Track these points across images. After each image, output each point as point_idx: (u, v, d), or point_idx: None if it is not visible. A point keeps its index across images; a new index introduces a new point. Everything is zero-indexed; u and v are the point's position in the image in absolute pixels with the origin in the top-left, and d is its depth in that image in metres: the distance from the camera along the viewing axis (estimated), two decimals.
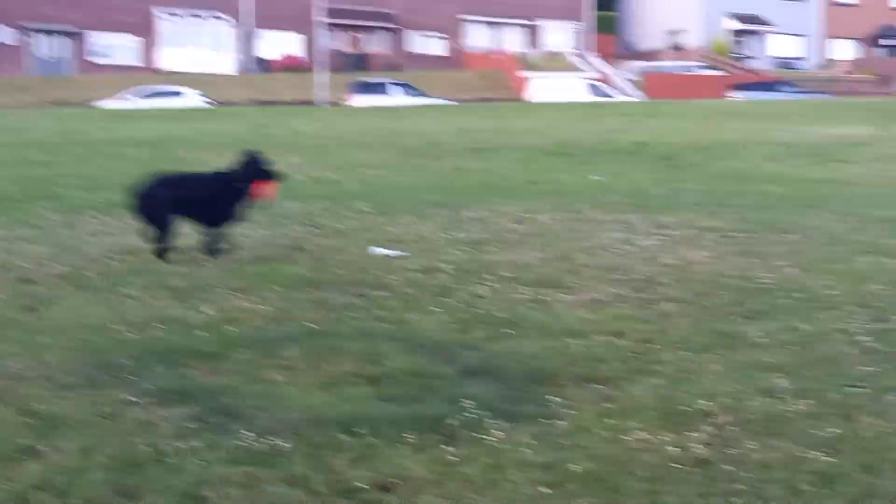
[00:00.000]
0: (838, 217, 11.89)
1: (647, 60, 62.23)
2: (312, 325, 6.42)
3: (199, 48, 59.56)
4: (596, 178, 16.59)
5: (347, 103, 45.91)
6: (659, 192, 14.49)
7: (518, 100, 49.72)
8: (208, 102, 44.15)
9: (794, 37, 67.99)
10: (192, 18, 59.88)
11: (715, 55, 62.32)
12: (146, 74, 56.00)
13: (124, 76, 54.00)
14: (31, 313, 6.56)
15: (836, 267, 8.70)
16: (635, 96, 50.99)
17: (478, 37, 65.54)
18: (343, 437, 4.57)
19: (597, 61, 60.30)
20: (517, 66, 57.31)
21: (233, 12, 60.31)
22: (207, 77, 54.95)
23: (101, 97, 46.74)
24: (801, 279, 8.18)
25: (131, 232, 9.67)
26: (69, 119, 31.20)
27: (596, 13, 68.23)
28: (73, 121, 30.24)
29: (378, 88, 48.31)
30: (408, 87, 49.01)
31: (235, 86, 54.20)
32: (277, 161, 17.19)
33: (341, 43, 62.55)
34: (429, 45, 64.73)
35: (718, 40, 64.35)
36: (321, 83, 49.25)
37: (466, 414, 4.90)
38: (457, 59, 63.50)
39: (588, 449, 4.56)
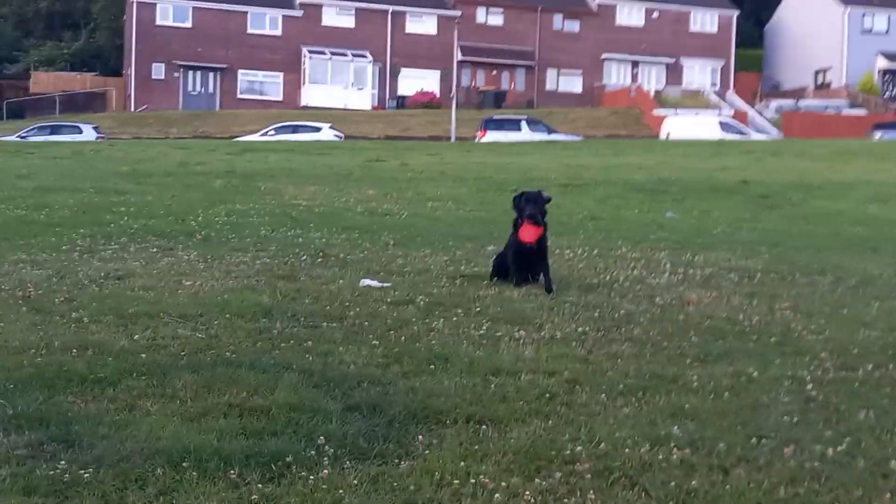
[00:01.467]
0: (893, 261, 11.19)
1: (792, 98, 60.52)
2: (229, 355, 6.32)
3: (340, 85, 60.90)
4: (669, 215, 16.12)
5: (479, 139, 46.11)
6: (722, 231, 13.94)
7: (651, 137, 48.99)
8: (337, 136, 45.00)
9: None
10: (334, 57, 61.33)
11: (863, 94, 60.07)
12: (289, 110, 57.62)
13: (268, 112, 55.72)
14: None
15: (842, 312, 8.17)
16: (772, 135, 49.56)
17: (617, 74, 64.98)
18: (162, 470, 4.43)
19: (736, 99, 58.92)
20: (654, 103, 56.47)
21: (375, 51, 61.49)
22: (345, 113, 56.18)
23: (245, 132, 48.27)
24: (790, 323, 7.71)
25: (139, 258, 9.85)
26: (198, 152, 32.19)
27: (740, 51, 66.82)
28: (201, 153, 31.16)
29: (507, 125, 48.32)
30: (538, 124, 48.88)
31: (370, 121, 55.17)
32: (354, 193, 17.46)
33: (479, 80, 63.04)
34: (566, 82, 64.54)
35: (867, 79, 61.99)
36: (454, 119, 49.59)
37: (311, 452, 4.71)
38: (594, 97, 63.07)
39: (410, 493, 4.31)
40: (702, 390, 5.91)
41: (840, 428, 5.25)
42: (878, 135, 45.01)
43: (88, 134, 43.65)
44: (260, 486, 4.34)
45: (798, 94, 62.56)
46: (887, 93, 63.40)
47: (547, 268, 8.79)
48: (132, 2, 59.59)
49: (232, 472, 4.45)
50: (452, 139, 47.31)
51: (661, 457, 4.77)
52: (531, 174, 23.87)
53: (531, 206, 8.85)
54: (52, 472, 4.37)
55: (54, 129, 44.53)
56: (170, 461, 4.53)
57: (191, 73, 61.20)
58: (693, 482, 4.46)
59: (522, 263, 8.78)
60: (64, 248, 10.48)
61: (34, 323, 7.03)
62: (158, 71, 60.24)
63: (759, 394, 5.85)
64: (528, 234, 8.70)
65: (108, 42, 70.29)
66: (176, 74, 60.29)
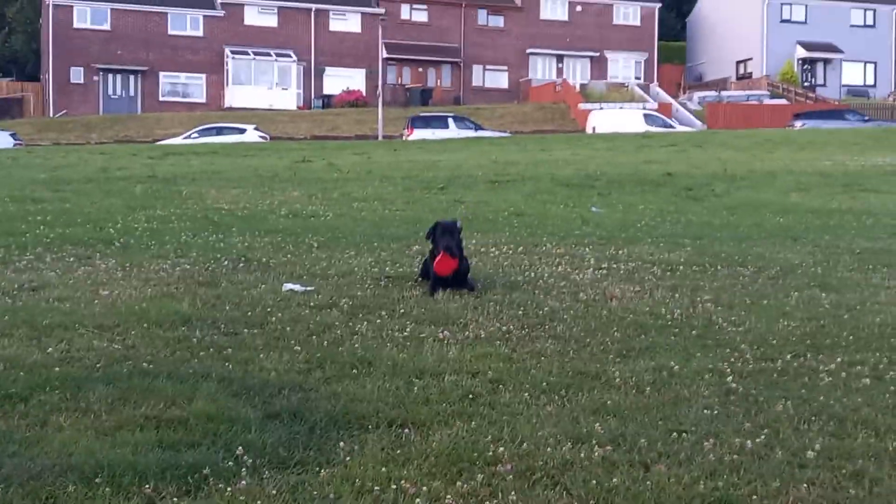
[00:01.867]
0: (813, 250, 11.39)
1: (715, 90, 61.33)
2: (146, 365, 6.19)
3: (264, 86, 60.35)
4: (594, 210, 16.20)
5: (406, 137, 46.01)
6: (647, 224, 14.04)
7: (577, 131, 49.31)
8: (262, 137, 44.59)
9: (865, 64, 66.30)
10: (258, 57, 60.74)
11: (784, 84, 61.10)
12: (213, 111, 56.95)
13: (192, 114, 55.03)
14: None
15: (763, 303, 8.26)
16: (696, 126, 50.21)
17: (543, 69, 65.31)
18: (74, 487, 4.31)
19: (660, 92, 59.59)
20: (579, 97, 56.87)
21: (299, 50, 61.05)
22: (270, 113, 55.70)
23: (169, 135, 47.59)
24: (712, 315, 7.77)
25: (55, 269, 9.62)
26: (120, 156, 31.64)
27: (662, 43, 67.58)
28: (123, 158, 30.64)
29: (435, 122, 48.27)
30: (465, 121, 48.90)
31: (297, 121, 54.76)
32: (279, 195, 17.27)
33: (405, 78, 62.93)
34: (492, 78, 64.72)
35: (787, 69, 63.07)
36: (381, 118, 49.40)
37: (229, 462, 4.63)
38: (520, 92, 63.34)
39: (330, 501, 4.26)
40: (624, 386, 5.93)
41: (759, 419, 5.29)
42: (798, 124, 45.82)
43: (4, 141, 42.66)
44: (175, 499, 4.25)
45: (720, 85, 63.45)
46: (807, 82, 64.56)
47: (468, 285, 8.69)
48: (48, 4, 58.42)
49: (147, 486, 4.35)
50: (380, 138, 47.16)
51: (582, 455, 4.77)
52: (459, 171, 23.86)
53: (447, 237, 8.67)
54: None
55: None
56: (82, 477, 4.42)
57: (111, 76, 60.16)
58: (614, 479, 4.46)
59: (440, 286, 8.64)
60: None
61: None
62: (77, 75, 59.12)
63: (681, 388, 5.88)
64: (444, 267, 8.55)
65: (24, 46, 68.88)
66: (95, 78, 59.21)
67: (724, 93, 59.51)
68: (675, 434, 5.05)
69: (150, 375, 5.96)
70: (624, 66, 66.01)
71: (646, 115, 48.26)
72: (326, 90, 61.47)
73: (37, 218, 13.56)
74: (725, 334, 7.16)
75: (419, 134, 45.08)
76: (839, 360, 6.48)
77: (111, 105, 59.42)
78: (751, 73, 65.29)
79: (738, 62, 67.06)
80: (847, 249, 11.44)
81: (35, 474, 4.45)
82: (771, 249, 11.30)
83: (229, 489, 4.34)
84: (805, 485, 4.38)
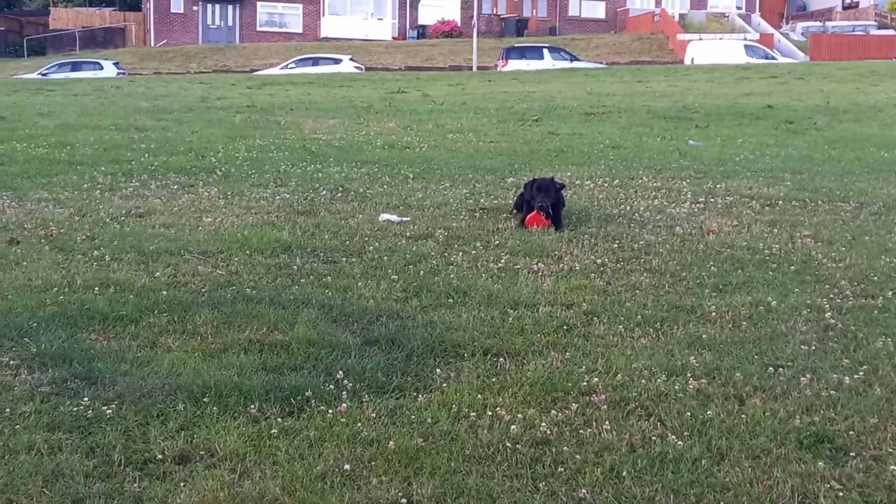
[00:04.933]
0: None
1: (819, 20, 59.45)
2: (249, 291, 6.37)
3: (360, 15, 60.30)
4: (692, 143, 15.97)
5: (500, 68, 45.68)
6: (746, 158, 13.81)
7: (676, 63, 48.37)
8: (357, 68, 44.70)
9: None
10: None
11: (892, 13, 58.91)
12: (309, 42, 57.18)
13: (288, 44, 55.36)
14: None
15: (864, 238, 8.12)
16: (798, 58, 48.83)
17: None
18: (183, 405, 4.50)
19: (762, 22, 57.97)
20: (678, 28, 55.64)
21: None
22: (365, 44, 55.71)
23: (266, 65, 48.01)
24: (810, 250, 7.67)
25: (160, 195, 9.89)
26: (218, 86, 32.07)
27: None
28: (221, 88, 31.06)
29: (530, 53, 47.74)
30: (561, 51, 48.24)
31: (392, 52, 54.70)
32: (374, 126, 17.38)
33: (500, 8, 62.25)
34: (589, 8, 63.66)
35: None
36: (475, 48, 49.06)
37: (330, 386, 4.77)
38: (617, 22, 62.25)
39: (427, 425, 4.36)
40: (720, 320, 5.92)
41: (857, 356, 5.25)
42: None
43: (109, 70, 43.56)
44: (279, 420, 4.40)
45: (825, 15, 61.46)
46: None
47: (558, 226, 8.57)
48: None
49: (252, 406, 4.51)
50: (474, 68, 46.89)
51: (677, 387, 4.80)
52: (553, 103, 23.68)
53: (542, 195, 8.52)
54: (75, 409, 4.46)
55: (75, 66, 44.45)
56: (190, 396, 4.60)
57: (209, 6, 60.69)
58: (709, 412, 4.49)
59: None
60: (85, 186, 10.53)
61: (56, 262, 7.09)
62: (177, 4, 59.75)
63: (778, 323, 5.85)
64: (534, 222, 8.49)
65: None
66: (195, 8, 59.80)
67: (828, 23, 57.63)
68: (770, 369, 5.05)
69: (253, 301, 6.14)
70: None
71: (746, 47, 47.00)
72: (421, 20, 61.14)
73: (141, 146, 13.91)
74: (825, 270, 7.06)
75: (514, 65, 44.68)
76: None
77: (210, 35, 60.02)
78: (857, 3, 63.06)
79: None
80: None
81: (146, 392, 4.66)
82: (873, 184, 11.05)
83: (330, 411, 4.48)
84: None
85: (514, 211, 8.93)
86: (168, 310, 5.92)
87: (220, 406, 4.51)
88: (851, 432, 4.25)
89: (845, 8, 63.44)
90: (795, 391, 4.74)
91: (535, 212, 8.50)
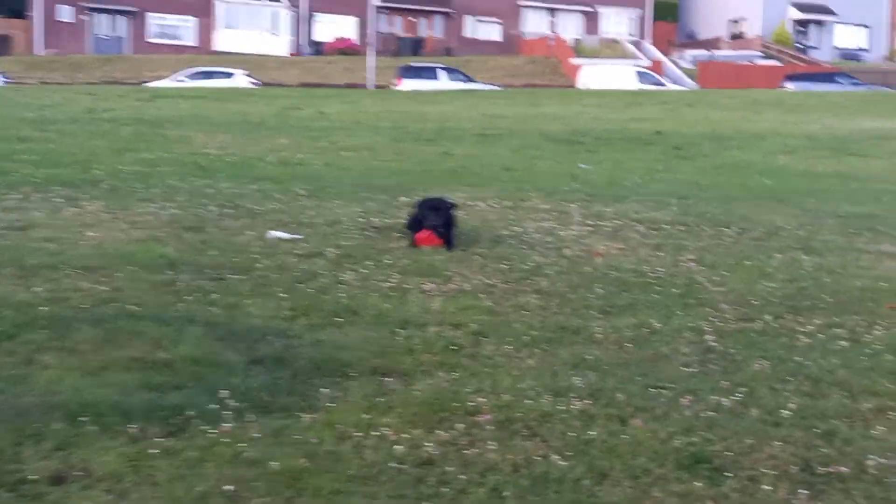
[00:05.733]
0: (798, 213, 11.47)
1: (707, 49, 61.11)
2: (132, 307, 6.24)
3: (255, 30, 59.87)
4: (582, 166, 16.23)
5: (396, 87, 45.78)
6: (634, 182, 14.10)
7: (569, 87, 49.14)
8: (253, 83, 44.33)
9: (859, 27, 66.13)
10: (249, 1, 60.19)
11: (776, 45, 60.93)
12: (202, 55, 56.48)
13: (180, 57, 54.58)
14: None
15: (744, 263, 8.35)
16: (687, 85, 50.10)
17: (535, 23, 64.90)
18: (59, 425, 4.37)
19: (652, 49, 59.35)
20: (571, 52, 56.61)
21: None
22: (260, 59, 55.29)
23: (157, 77, 47.24)
24: (693, 274, 7.85)
25: (42, 209, 9.63)
26: (106, 98, 31.43)
27: (656, 0, 67.16)
28: (109, 100, 30.45)
29: (426, 73, 48.00)
30: (456, 72, 48.64)
31: (287, 68, 54.39)
32: (267, 142, 17.23)
33: (397, 27, 62.47)
34: (484, 30, 64.31)
35: (781, 30, 62.87)
36: (371, 67, 49.10)
37: (213, 406, 4.69)
38: (512, 45, 63.00)
39: (311, 446, 4.32)
40: (605, 341, 6.01)
41: (736, 378, 5.38)
42: (790, 86, 45.75)
43: None
44: (160, 439, 4.30)
45: (713, 44, 63.18)
46: (800, 44, 64.37)
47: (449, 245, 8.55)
48: None
49: (132, 426, 4.41)
50: (370, 87, 46.90)
51: (561, 407, 4.84)
52: (448, 123, 23.84)
53: (433, 214, 8.53)
54: None
55: None
56: (68, 415, 4.47)
57: (100, 15, 59.53)
58: (591, 432, 4.54)
59: None
60: None
61: None
62: (65, 13, 58.48)
63: (661, 345, 5.96)
64: (425, 241, 8.50)
65: None
66: (84, 17, 58.61)
67: (716, 52, 59.29)
68: (653, 390, 5.13)
69: (137, 318, 6.01)
70: (616, 22, 65.66)
71: (638, 73, 48.12)
72: (318, 37, 60.99)
73: (23, 157, 13.53)
74: (707, 293, 7.24)
75: (409, 84, 44.84)
76: (818, 322, 6.57)
77: (100, 45, 58.85)
78: (743, 34, 65.03)
79: (731, 21, 66.78)
80: (831, 213, 11.53)
81: (21, 411, 4.51)
82: (756, 211, 11.38)
83: (213, 431, 4.40)
84: (778, 442, 4.46)
85: (407, 230, 8.94)
86: (47, 326, 5.75)
87: (99, 425, 4.39)
88: (729, 453, 4.35)
89: (732, 38, 65.35)
90: (676, 412, 4.83)
91: (426, 231, 8.52)
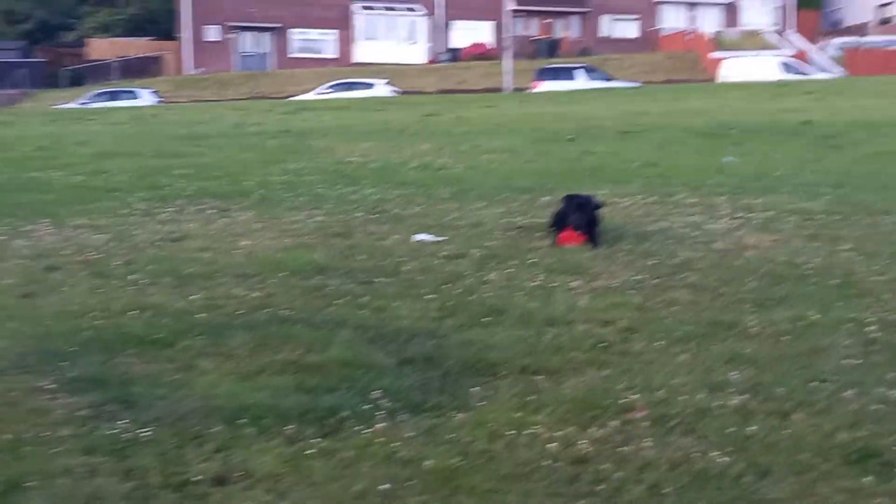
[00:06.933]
0: None
1: (854, 35, 59.00)
2: (284, 313, 6.36)
3: (393, 40, 60.65)
4: (728, 160, 15.84)
5: (533, 89, 45.70)
6: (784, 173, 13.67)
7: (709, 81, 48.17)
8: (395, 92, 44.87)
9: None
10: (386, 12, 61.03)
11: None
12: (343, 67, 57.52)
13: (322, 70, 55.70)
14: (24, 299, 6.77)
15: None
16: (834, 73, 48.47)
17: (673, 18, 63.82)
18: (218, 427, 4.48)
19: (796, 38, 57.65)
20: (711, 46, 55.46)
21: (426, 4, 61.06)
22: (399, 68, 55.94)
23: (300, 91, 48.32)
24: (852, 265, 7.56)
25: (196, 220, 9.93)
26: (253, 112, 32.29)
27: None
28: (256, 114, 31.24)
29: (563, 74, 47.75)
30: (594, 71, 48.24)
31: (425, 76, 54.90)
32: (409, 149, 17.40)
33: (532, 30, 62.34)
34: (621, 28, 63.60)
35: None
36: (508, 70, 49.13)
37: (365, 406, 4.73)
38: (649, 42, 62.13)
39: (464, 444, 4.31)
40: (760, 335, 5.83)
41: None
42: None
43: (146, 98, 44.01)
44: (316, 440, 4.36)
45: (860, 30, 60.98)
46: None
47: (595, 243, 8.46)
48: None
49: (288, 427, 4.48)
50: (507, 90, 46.92)
51: (718, 403, 4.72)
52: (588, 122, 23.60)
53: (577, 213, 8.47)
54: (111, 432, 4.44)
55: (113, 95, 44.94)
56: (226, 418, 4.58)
57: (244, 33, 61.25)
58: (751, 428, 4.41)
59: None
60: (122, 212, 10.60)
61: (93, 287, 7.12)
62: (213, 33, 60.37)
63: (820, 338, 5.75)
64: (567, 240, 8.43)
65: (161, 6, 70.49)
66: (230, 36, 60.40)
67: (863, 38, 57.18)
68: (813, 383, 4.95)
69: (288, 322, 6.13)
70: (758, 13, 63.99)
71: (781, 63, 46.78)
72: (454, 44, 61.36)
73: (177, 172, 13.99)
74: (867, 284, 6.95)
75: (546, 86, 44.67)
76: None
77: (245, 62, 60.55)
78: (892, 18, 62.57)
79: (879, 6, 64.33)
80: None
81: (182, 415, 4.64)
82: None
83: (367, 431, 4.44)
84: None
85: (551, 228, 8.87)
86: (203, 332, 5.91)
87: (257, 427, 4.48)
88: None
89: (881, 23, 62.95)
90: (840, 406, 4.65)
91: (569, 229, 8.43)
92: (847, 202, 10.59)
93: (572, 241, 8.35)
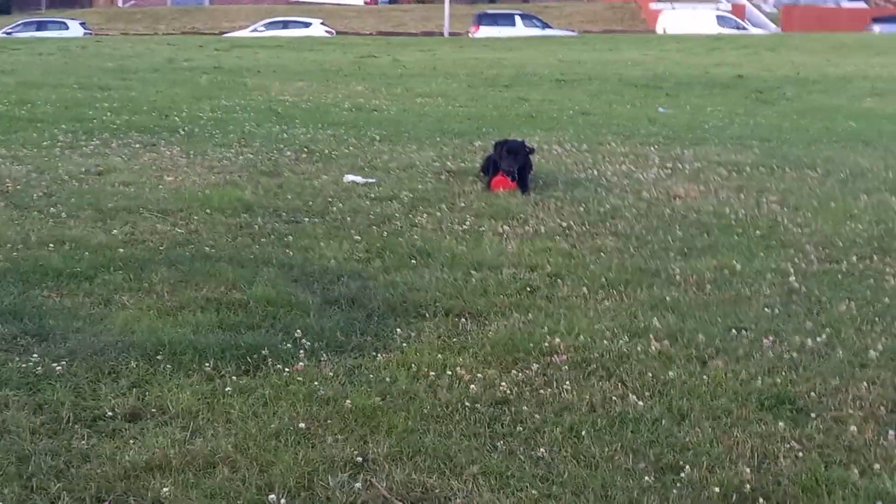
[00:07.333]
0: (885, 155, 11.08)
1: None
2: (208, 249, 6.26)
3: None
4: (661, 110, 15.92)
5: (472, 35, 45.44)
6: (714, 126, 13.77)
7: (648, 32, 48.31)
8: (328, 32, 44.34)
9: None
10: None
11: None
12: (280, 5, 56.61)
13: (258, 7, 54.77)
14: None
15: (830, 205, 8.10)
16: (769, 29, 48.90)
17: None
18: (136, 363, 4.40)
19: None
20: None
21: None
22: (337, 8, 55.23)
23: (235, 28, 47.52)
24: (777, 216, 7.65)
25: (121, 154, 9.73)
26: (185, 48, 31.66)
27: None
28: (189, 49, 30.66)
29: (503, 20, 47.56)
30: (533, 19, 48.09)
31: (364, 17, 54.29)
32: (343, 90, 17.20)
33: None
34: None
35: None
36: (447, 15, 48.74)
37: (288, 345, 4.68)
38: None
39: (386, 384, 4.29)
40: (684, 283, 5.88)
41: (821, 319, 5.23)
42: (877, 28, 44.42)
43: (75, 30, 42.96)
44: (234, 378, 4.31)
45: None
46: None
47: (524, 188, 8.42)
48: None
49: (207, 364, 4.43)
50: (446, 35, 46.61)
51: (639, 348, 4.75)
52: (524, 70, 23.57)
53: (509, 158, 8.40)
54: (24, 365, 4.35)
55: (40, 25, 43.81)
56: (144, 354, 4.51)
57: None
58: (670, 373, 4.44)
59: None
60: (45, 143, 10.33)
61: (11, 218, 6.95)
62: None
63: (742, 287, 5.81)
64: (500, 186, 8.36)
65: None
66: None
67: None
68: (733, 331, 5.01)
69: (212, 259, 6.04)
70: None
71: (718, 17, 47.08)
72: None
73: (104, 105, 13.69)
74: (790, 235, 7.04)
75: (485, 32, 44.47)
76: None
77: None
78: None
79: None
80: None
81: (98, 350, 4.55)
82: (841, 153, 11.04)
83: (287, 370, 4.40)
84: (865, 383, 4.32)
85: (481, 174, 8.83)
86: (124, 267, 5.80)
87: (174, 364, 4.42)
88: (812, 394, 4.22)
89: None
90: (758, 353, 4.71)
91: (500, 174, 8.41)
92: (774, 156, 10.70)
93: (505, 187, 8.33)
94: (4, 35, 40.96)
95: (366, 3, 58.91)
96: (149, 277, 5.64)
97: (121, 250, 6.16)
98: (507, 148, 8.51)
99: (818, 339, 4.87)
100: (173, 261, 5.97)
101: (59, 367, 4.32)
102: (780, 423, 3.92)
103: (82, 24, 44.67)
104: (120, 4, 57.54)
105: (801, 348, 4.76)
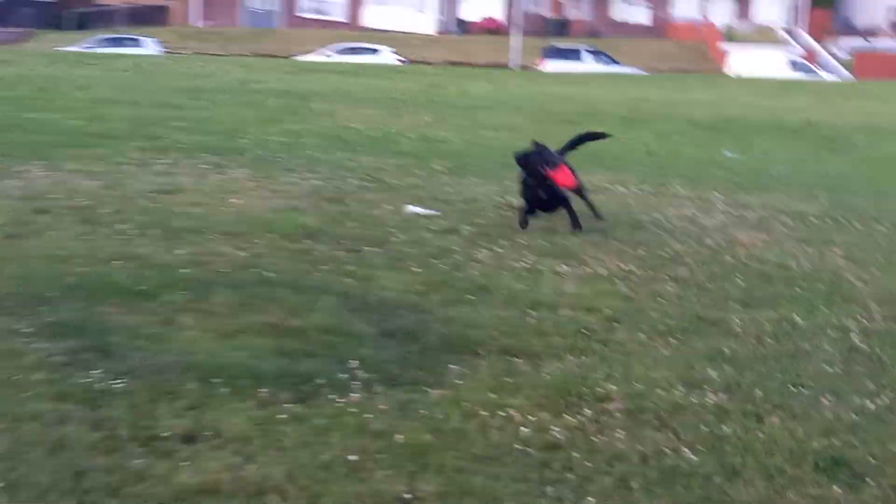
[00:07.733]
0: None
1: (865, 38, 58.82)
2: (270, 275, 6.33)
3: (403, 7, 60.31)
4: (728, 154, 15.82)
5: (539, 68, 45.57)
6: (781, 171, 13.65)
7: (716, 73, 48.04)
8: (400, 61, 44.70)
9: None
10: None
11: None
12: (350, 31, 57.21)
13: (329, 32, 55.39)
14: (9, 240, 6.74)
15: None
16: (842, 76, 48.38)
17: (685, 7, 63.53)
18: (192, 384, 4.45)
19: (806, 37, 57.45)
20: (720, 37, 55.27)
21: None
22: (406, 36, 55.67)
23: (305, 52, 48.11)
24: (840, 270, 7.54)
25: (190, 174, 9.89)
26: (258, 69, 32.15)
27: None
28: (260, 71, 31.12)
29: (570, 54, 47.72)
30: (601, 55, 48.16)
31: (432, 46, 54.63)
32: (410, 119, 17.34)
33: (544, 8, 62.04)
34: (633, 13, 63.34)
35: None
36: (516, 47, 48.94)
37: (342, 375, 4.71)
38: (660, 29, 61.87)
39: (438, 421, 4.30)
40: (743, 335, 5.81)
41: (883, 380, 5.13)
42: None
43: (150, 48, 43.78)
44: (289, 405, 4.34)
45: (871, 33, 60.77)
46: None
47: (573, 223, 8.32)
48: None
49: (263, 390, 4.46)
50: (514, 67, 46.75)
51: (695, 400, 4.70)
52: (591, 106, 23.55)
53: (544, 157, 8.39)
54: (85, 381, 4.42)
55: (116, 42, 44.70)
56: (202, 376, 4.55)
57: None
58: (725, 428, 4.39)
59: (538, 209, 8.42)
60: (117, 160, 10.54)
61: (81, 233, 7.10)
62: None
63: (802, 341, 5.73)
64: (565, 177, 8.31)
65: None
66: None
67: (875, 41, 57.02)
68: (792, 388, 4.94)
69: (273, 284, 6.11)
70: (770, 8, 63.68)
71: (790, 61, 46.70)
72: (464, 16, 61.07)
73: (175, 124, 13.92)
74: (854, 290, 6.93)
75: (552, 66, 44.54)
76: None
77: (252, 18, 60.21)
78: None
79: (892, 8, 64.02)
80: None
81: (158, 369, 4.61)
82: None
83: (341, 400, 4.42)
84: None
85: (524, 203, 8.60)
86: (187, 288, 5.88)
87: (231, 388, 4.46)
88: (871, 459, 4.14)
89: (893, 26, 62.72)
90: (816, 412, 4.63)
91: (558, 169, 8.26)
92: (842, 207, 10.56)
93: (566, 179, 8.25)
94: (82, 50, 41.85)
95: (436, 32, 59.29)
96: (211, 299, 5.71)
97: (184, 270, 6.26)
98: (538, 152, 8.40)
99: (879, 401, 4.78)
100: (235, 284, 6.04)
101: (120, 385, 4.39)
102: (836, 487, 3.86)
103: (158, 42, 45.50)
104: (200, 25, 58.49)
105: (861, 410, 4.68)
